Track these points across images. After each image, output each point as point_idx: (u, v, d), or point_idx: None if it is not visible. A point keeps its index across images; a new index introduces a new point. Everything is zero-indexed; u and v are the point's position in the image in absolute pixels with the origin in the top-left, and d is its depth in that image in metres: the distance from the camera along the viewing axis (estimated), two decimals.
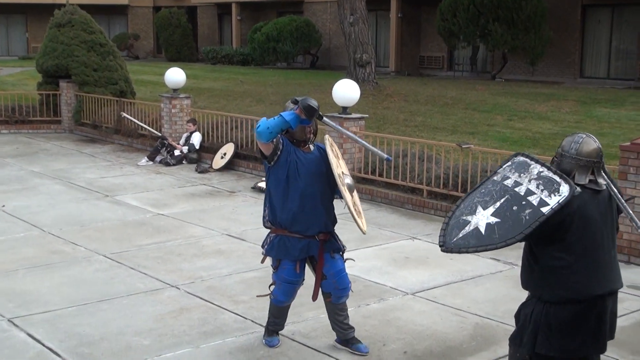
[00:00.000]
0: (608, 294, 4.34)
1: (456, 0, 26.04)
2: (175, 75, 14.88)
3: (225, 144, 13.85)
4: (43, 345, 6.00)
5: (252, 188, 11.88)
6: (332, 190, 5.61)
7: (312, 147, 5.62)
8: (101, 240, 8.97)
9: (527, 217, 4.17)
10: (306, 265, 5.76)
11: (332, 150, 5.58)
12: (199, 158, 14.08)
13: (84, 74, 17.87)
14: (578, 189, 4.18)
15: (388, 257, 8.21)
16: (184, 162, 14.03)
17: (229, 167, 13.50)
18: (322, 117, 5.43)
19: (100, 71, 17.95)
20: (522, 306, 4.56)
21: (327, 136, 5.68)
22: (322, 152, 5.57)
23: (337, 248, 5.72)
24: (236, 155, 13.59)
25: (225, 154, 13.60)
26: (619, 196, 4.41)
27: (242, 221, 9.90)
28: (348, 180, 5.63)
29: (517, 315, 4.59)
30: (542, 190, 4.21)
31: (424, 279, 7.63)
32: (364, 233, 5.66)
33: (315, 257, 5.65)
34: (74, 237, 9.09)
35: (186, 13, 40.06)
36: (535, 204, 4.18)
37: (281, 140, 5.46)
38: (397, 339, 6.08)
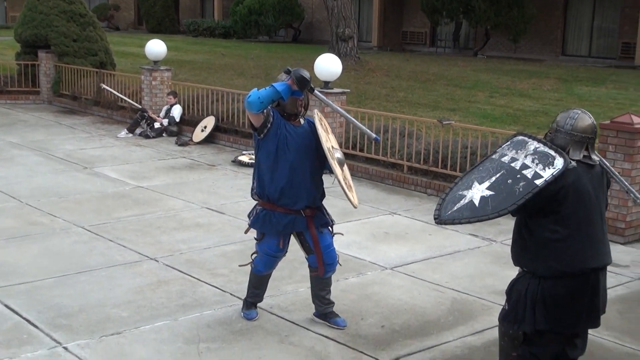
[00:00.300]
0: (601, 268, 4.38)
1: None
2: (156, 47, 14.80)
3: (206, 117, 13.79)
4: (20, 316, 5.99)
5: (232, 162, 11.85)
6: (321, 164, 5.59)
7: (302, 120, 5.60)
8: (80, 212, 8.93)
9: (521, 189, 4.22)
10: (293, 238, 5.76)
11: (322, 124, 5.56)
12: (179, 131, 14.01)
13: (64, 44, 17.68)
14: (573, 162, 4.23)
15: (367, 232, 8.24)
16: (164, 134, 13.96)
17: (209, 140, 13.45)
18: (314, 90, 5.43)
19: (80, 42, 17.77)
20: (515, 282, 4.56)
21: (316, 110, 5.67)
22: (312, 126, 5.54)
23: (325, 222, 5.72)
24: (217, 128, 13.54)
25: (205, 127, 13.54)
26: (613, 170, 4.46)
27: (221, 194, 9.90)
28: (338, 154, 5.62)
29: (509, 292, 4.58)
30: (537, 164, 4.25)
31: (403, 254, 7.67)
32: (354, 207, 5.67)
33: (303, 233, 5.65)
34: (52, 209, 9.04)
35: None
36: (530, 177, 4.22)
37: (271, 113, 5.43)
38: (375, 313, 6.12)
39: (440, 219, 4.42)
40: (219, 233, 8.24)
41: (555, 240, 4.27)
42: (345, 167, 5.80)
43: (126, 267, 7.14)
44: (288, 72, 5.35)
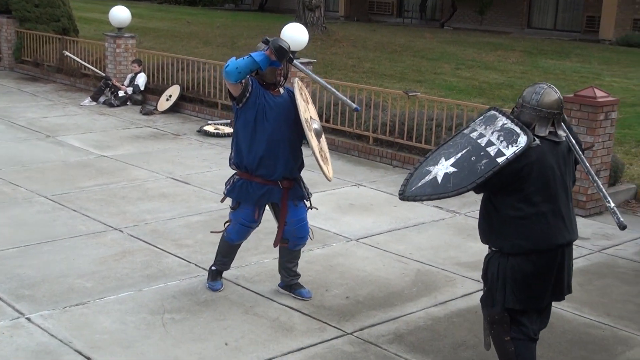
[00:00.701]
0: (567, 244, 4.38)
1: None
2: (120, 14, 14.59)
3: (171, 85, 13.68)
4: None
5: (198, 131, 11.78)
6: (300, 135, 5.53)
7: (282, 90, 5.54)
8: (43, 182, 8.84)
9: (482, 167, 4.19)
10: (269, 209, 5.75)
11: (302, 94, 5.49)
12: (144, 100, 13.88)
13: (25, 9, 17.39)
14: (537, 141, 4.19)
15: (333, 204, 8.26)
16: (128, 103, 13.82)
17: (174, 109, 13.36)
18: (293, 60, 5.38)
19: (42, 7, 17.48)
20: (487, 264, 4.52)
21: (296, 79, 5.60)
22: (292, 96, 5.48)
23: (301, 195, 5.70)
24: (182, 97, 13.44)
25: (170, 96, 13.44)
26: (578, 149, 4.40)
27: (186, 165, 9.85)
28: (316, 125, 5.58)
29: (484, 276, 4.56)
30: (501, 142, 4.22)
31: (368, 225, 7.71)
32: (329, 180, 5.63)
33: (277, 203, 5.64)
34: (15, 178, 8.94)
35: None
36: (493, 155, 4.20)
37: (250, 82, 5.38)
38: (340, 285, 6.15)
39: (404, 195, 4.42)
40: (184, 204, 8.21)
41: (520, 217, 4.26)
42: (323, 139, 5.78)
43: (90, 237, 7.09)
44: (266, 42, 5.27)
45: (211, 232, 6.42)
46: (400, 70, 16.62)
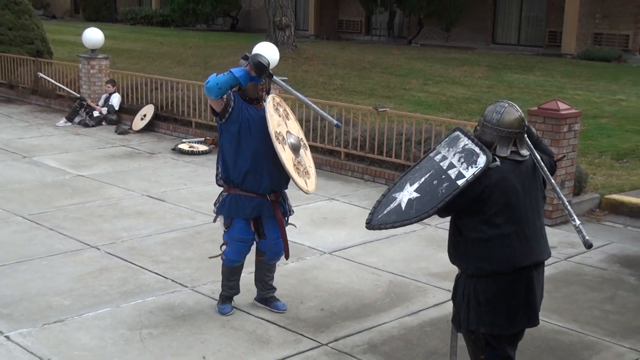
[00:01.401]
0: (534, 265, 4.21)
1: None
2: (94, 35, 14.55)
3: (145, 105, 13.65)
4: None
5: (172, 149, 11.76)
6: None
7: (264, 104, 5.45)
8: (19, 201, 8.77)
9: (443, 191, 4.08)
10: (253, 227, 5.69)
11: (278, 109, 5.47)
12: (119, 119, 13.84)
13: None
14: (497, 162, 4.08)
15: (306, 218, 8.27)
16: (103, 123, 13.77)
17: (149, 128, 13.33)
18: (273, 76, 5.34)
19: (16, 30, 17.40)
20: (456, 284, 4.43)
21: (272, 95, 5.54)
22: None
23: (284, 211, 5.70)
24: (156, 116, 13.42)
25: (145, 116, 13.41)
26: (543, 166, 4.22)
27: (162, 182, 9.82)
28: (292, 139, 5.52)
29: (454, 295, 4.46)
30: (462, 163, 4.10)
31: (341, 238, 7.73)
32: (306, 192, 5.60)
33: (260, 217, 5.58)
34: None
35: None
36: (453, 177, 4.08)
37: (232, 97, 5.35)
38: (315, 297, 6.16)
39: (371, 224, 4.32)
40: (160, 221, 8.19)
41: (483, 240, 4.13)
42: (308, 153, 5.75)
43: (67, 256, 7.05)
44: (246, 58, 5.26)
45: (209, 257, 6.29)
46: (370, 87, 16.70)
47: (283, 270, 6.60)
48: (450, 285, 6.46)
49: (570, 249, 7.51)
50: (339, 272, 6.80)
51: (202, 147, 11.71)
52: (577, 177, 8.63)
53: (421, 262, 7.08)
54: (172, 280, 6.49)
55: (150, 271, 6.70)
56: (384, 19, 29.76)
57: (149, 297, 6.14)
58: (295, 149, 5.53)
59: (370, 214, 4.39)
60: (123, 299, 6.09)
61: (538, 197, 4.29)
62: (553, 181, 4.27)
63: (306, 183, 5.52)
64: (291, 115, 5.79)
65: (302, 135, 5.80)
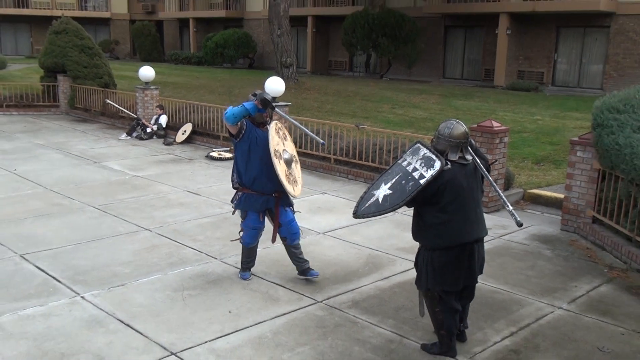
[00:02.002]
0: (475, 240, 4.32)
1: (355, 20, 26.05)
2: (147, 72, 14.52)
3: (185, 123, 13.60)
4: (47, 274, 5.83)
5: (206, 157, 11.71)
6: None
7: (268, 127, 5.49)
8: (91, 196, 8.71)
9: (409, 188, 4.15)
10: (266, 216, 5.67)
11: (278, 132, 5.49)
12: (166, 134, 13.78)
13: (77, 70, 17.23)
14: (449, 165, 4.16)
15: (306, 207, 8.24)
16: (154, 137, 13.71)
17: (188, 141, 13.27)
18: (274, 108, 5.42)
19: (89, 68, 17.32)
20: (417, 255, 4.50)
21: (274, 122, 5.54)
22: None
23: (289, 203, 5.65)
24: (193, 132, 13.37)
25: (185, 131, 13.36)
26: (482, 167, 4.34)
27: (198, 181, 9.77)
28: (286, 155, 5.52)
29: (415, 263, 4.53)
30: (422, 167, 4.18)
31: (332, 222, 7.69)
32: (293, 196, 5.54)
33: (272, 210, 5.58)
34: (70, 193, 8.80)
35: (155, 25, 38.84)
36: (417, 177, 4.16)
37: (245, 123, 5.40)
38: (313, 266, 6.09)
39: (357, 214, 4.40)
40: (196, 209, 8.14)
41: (439, 223, 4.22)
42: (296, 166, 5.70)
43: (127, 236, 7.00)
44: (255, 95, 5.35)
45: (230, 240, 6.33)
46: (352, 110, 16.66)
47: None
48: (413, 257, 6.45)
49: (501, 230, 7.49)
50: (330, 247, 6.77)
51: (228, 155, 11.66)
52: (506, 176, 8.62)
53: (391, 239, 7.06)
54: (206, 254, 6.45)
55: (189, 247, 6.66)
56: (363, 59, 29.73)
57: (188, 266, 6.10)
58: (288, 163, 5.54)
59: (355, 206, 4.45)
60: (169, 268, 6.05)
61: (477, 191, 4.38)
62: (490, 178, 4.36)
63: (293, 189, 5.49)
64: (288, 137, 5.79)
65: (295, 153, 5.79)
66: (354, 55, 28.96)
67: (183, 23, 38.71)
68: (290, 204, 5.69)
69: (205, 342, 4.62)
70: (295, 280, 5.78)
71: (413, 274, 6.00)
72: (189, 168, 10.81)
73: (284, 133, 5.66)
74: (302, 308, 5.23)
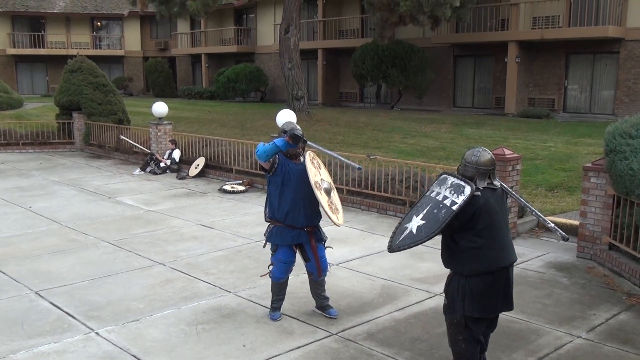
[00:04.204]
0: (509, 265, 4.25)
1: (364, 52, 26.29)
2: (160, 108, 14.68)
3: (198, 157, 13.69)
4: (62, 310, 5.83)
5: (219, 190, 11.75)
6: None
7: (302, 159, 5.43)
8: (106, 231, 8.75)
9: (443, 215, 4.11)
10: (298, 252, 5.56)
11: (313, 162, 5.40)
12: (179, 168, 13.87)
13: (91, 107, 17.46)
14: (478, 192, 4.13)
15: None
16: (167, 171, 13.81)
17: (201, 174, 13.34)
18: (307, 142, 5.31)
19: (103, 105, 17.56)
20: (448, 282, 4.40)
21: (308, 152, 5.44)
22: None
23: (320, 238, 5.55)
24: (206, 166, 13.44)
25: (198, 165, 13.44)
26: (512, 192, 4.34)
27: (211, 214, 9.79)
28: (325, 185, 5.42)
29: (446, 290, 4.42)
30: (452, 194, 4.14)
31: (345, 253, 7.65)
32: (337, 225, 5.42)
33: (303, 245, 5.47)
34: (85, 229, 8.85)
35: (168, 61, 39.43)
36: (448, 205, 4.12)
37: (277, 157, 5.32)
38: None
39: (392, 248, 4.34)
40: (210, 243, 8.14)
41: (475, 248, 4.14)
42: (335, 194, 5.61)
43: (141, 271, 7.01)
44: (285, 132, 5.26)
45: (260, 276, 6.21)
46: (364, 140, 16.71)
47: (303, 278, 6.51)
48: (427, 287, 6.40)
49: (518, 257, 7.39)
50: (344, 278, 6.72)
51: (241, 188, 11.70)
52: (519, 204, 8.53)
53: (406, 270, 7.00)
54: (219, 288, 6.42)
55: (203, 281, 6.64)
56: (373, 90, 29.94)
57: (202, 300, 6.07)
58: (328, 192, 5.43)
59: (389, 241, 4.40)
60: (183, 302, 6.03)
61: (507, 216, 4.37)
62: (523, 200, 4.41)
63: (337, 217, 5.40)
64: (322, 166, 5.69)
65: (331, 180, 5.68)
66: (365, 87, 29.16)
67: (195, 59, 39.27)
68: (322, 240, 5.56)
69: None
70: (309, 313, 5.74)
71: (428, 304, 5.95)
72: (202, 202, 10.84)
73: (317, 162, 5.56)
74: (317, 341, 5.17)
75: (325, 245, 5.66)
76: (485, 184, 4.24)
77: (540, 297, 6.16)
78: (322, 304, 5.70)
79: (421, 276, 6.68)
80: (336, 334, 5.30)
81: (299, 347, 5.05)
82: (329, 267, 5.64)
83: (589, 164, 7.47)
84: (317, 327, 5.44)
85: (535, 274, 6.89)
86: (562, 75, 23.64)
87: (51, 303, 6.00)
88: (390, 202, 9.87)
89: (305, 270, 5.72)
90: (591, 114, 22.95)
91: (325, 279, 5.73)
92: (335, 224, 5.34)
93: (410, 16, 21.55)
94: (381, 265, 7.16)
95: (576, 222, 7.76)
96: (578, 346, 5.08)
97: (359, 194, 10.33)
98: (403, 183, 9.70)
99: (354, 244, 8.02)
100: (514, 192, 4.36)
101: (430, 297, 6.14)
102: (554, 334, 5.31)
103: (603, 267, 7.08)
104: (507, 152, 8.16)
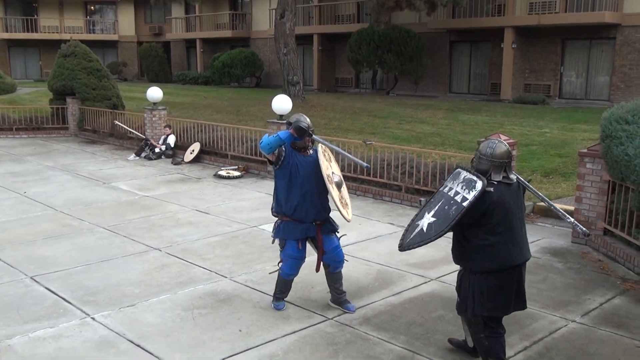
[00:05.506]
0: (522, 263, 4.17)
1: (360, 37, 26.18)
2: (155, 93, 14.62)
3: (193, 143, 13.65)
4: (58, 295, 5.83)
5: (214, 175, 11.74)
6: (325, 187, 5.20)
7: (311, 151, 5.29)
8: (101, 216, 8.74)
9: (453, 212, 4.01)
10: (308, 244, 5.43)
11: (325, 155, 5.27)
12: (174, 154, 13.84)
13: (85, 92, 17.37)
14: (491, 188, 4.01)
15: None
16: (162, 157, 13.78)
17: (196, 160, 13.31)
18: (312, 135, 5.19)
19: (98, 90, 17.46)
20: (460, 279, 4.33)
21: (320, 145, 5.31)
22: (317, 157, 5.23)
23: (333, 229, 5.41)
24: (201, 151, 13.42)
25: (193, 150, 13.41)
26: (530, 186, 4.23)
27: (207, 200, 9.78)
28: (336, 178, 5.31)
29: (458, 288, 4.36)
30: (464, 190, 4.03)
31: (342, 239, 7.62)
32: (347, 221, 5.32)
33: (314, 237, 5.34)
34: (80, 214, 8.84)
35: (162, 46, 39.17)
36: (459, 201, 4.02)
37: (284, 149, 5.18)
38: (322, 283, 6.05)
39: (403, 247, 4.28)
40: (206, 228, 8.14)
41: (487, 245, 4.05)
42: (344, 188, 5.49)
43: (137, 256, 7.01)
44: (289, 124, 5.15)
45: (269, 273, 6.08)
46: (359, 126, 16.69)
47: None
48: (423, 272, 6.42)
49: None
50: None
51: (236, 173, 11.69)
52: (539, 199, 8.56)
53: (401, 255, 7.00)
54: (215, 273, 6.44)
55: (199, 266, 6.65)
56: (369, 76, 29.85)
57: (198, 285, 6.09)
58: (339, 186, 5.32)
59: (400, 239, 4.35)
60: (179, 287, 6.04)
61: (522, 211, 4.23)
62: (541, 194, 4.29)
63: (347, 213, 5.29)
64: (332, 158, 5.55)
65: (340, 174, 5.56)
66: (360, 72, 29.05)
67: (190, 44, 39.05)
68: (335, 230, 5.41)
69: None
70: (305, 298, 5.75)
71: (424, 289, 5.98)
72: (197, 187, 10.83)
73: (328, 155, 5.42)
74: (312, 325, 5.20)
75: (339, 235, 5.49)
76: (501, 177, 4.11)
77: (535, 282, 6.19)
78: (340, 299, 5.52)
79: (416, 261, 6.70)
80: (332, 319, 5.32)
81: (295, 331, 5.07)
82: (344, 258, 5.47)
83: (585, 150, 7.49)
84: (313, 312, 5.46)
85: (530, 259, 6.91)
86: (558, 61, 23.62)
87: (46, 288, 6.00)
88: (386, 188, 9.88)
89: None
90: (587, 99, 22.96)
91: (313, 261, 5.60)
92: (345, 219, 5.24)
93: (406, 1, 21.46)
94: (377, 251, 7.18)
95: (571, 208, 7.78)
96: (572, 330, 5.12)
97: (355, 179, 10.33)
98: (399, 169, 9.70)
99: (350, 230, 8.00)
100: (532, 187, 4.25)
101: (426, 282, 6.16)
102: (548, 318, 5.35)
103: (598, 252, 7.12)
104: (503, 137, 8.11)
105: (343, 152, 5.47)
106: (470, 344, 4.54)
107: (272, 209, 5.44)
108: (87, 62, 17.67)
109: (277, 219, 5.41)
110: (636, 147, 6.52)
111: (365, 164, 5.37)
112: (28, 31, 39.43)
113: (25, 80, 38.04)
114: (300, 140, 5.16)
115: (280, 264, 5.45)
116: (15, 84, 29.44)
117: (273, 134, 5.12)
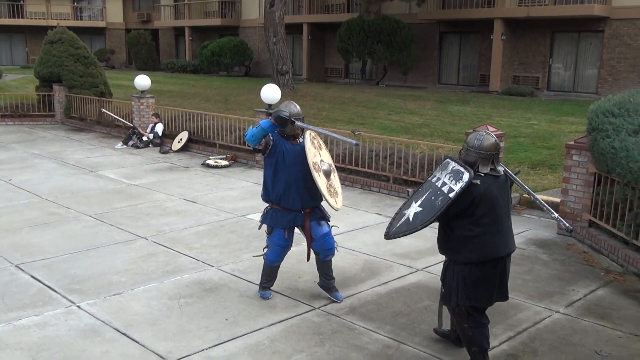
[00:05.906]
0: (507, 255, 4.19)
1: (350, 27, 26.13)
2: (143, 81, 14.51)
3: (181, 131, 13.59)
4: (43, 283, 5.80)
5: (202, 164, 11.70)
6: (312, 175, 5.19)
7: (300, 139, 5.26)
8: (87, 204, 8.70)
9: (439, 203, 4.02)
10: (299, 231, 5.44)
11: (313, 143, 5.24)
12: (162, 142, 13.76)
13: (72, 79, 17.22)
14: (477, 181, 4.02)
15: None
16: (150, 145, 13.70)
17: (184, 149, 13.26)
18: (295, 122, 5.14)
19: (85, 77, 17.32)
20: (445, 270, 4.34)
21: (308, 132, 5.29)
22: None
23: (323, 216, 5.38)
24: (189, 140, 13.36)
25: (181, 139, 13.35)
26: (517, 178, 4.25)
27: (194, 189, 9.76)
28: (325, 166, 5.28)
29: (443, 278, 4.37)
30: (451, 180, 4.04)
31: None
32: (335, 210, 5.30)
33: (303, 225, 5.34)
34: (66, 202, 8.78)
35: (150, 34, 38.89)
36: (446, 192, 4.03)
37: (271, 137, 5.15)
38: (309, 273, 6.10)
39: (389, 235, 4.29)
40: (193, 217, 8.12)
41: (472, 236, 4.06)
42: (335, 176, 5.46)
43: (123, 245, 6.98)
44: (269, 114, 5.17)
45: (253, 256, 6.10)
46: (348, 116, 16.68)
47: (287, 253, 6.53)
48: (409, 262, 6.46)
49: None
50: None
51: (224, 162, 11.66)
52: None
53: (388, 245, 7.04)
54: (202, 262, 6.43)
55: (186, 255, 6.64)
56: (359, 66, 29.81)
57: (185, 274, 6.08)
58: (327, 174, 5.29)
59: (387, 228, 4.36)
60: (165, 276, 6.03)
61: (508, 203, 4.25)
62: (527, 188, 4.31)
63: (336, 201, 5.27)
64: (323, 146, 5.52)
65: (331, 162, 5.53)
66: (350, 62, 29.01)
67: (179, 32, 38.79)
68: (326, 218, 5.40)
69: (202, 350, 4.60)
70: (292, 287, 5.76)
71: (410, 279, 6.01)
72: (185, 176, 10.79)
73: (318, 142, 5.40)
74: (299, 315, 5.21)
75: (330, 224, 5.48)
76: (488, 169, 4.12)
77: (520, 272, 6.24)
78: (328, 285, 5.53)
79: (403, 251, 6.73)
80: (318, 308, 5.34)
81: (282, 320, 5.09)
82: (335, 246, 5.45)
83: (572, 142, 7.53)
84: (300, 301, 5.47)
85: (516, 251, 6.96)
86: (547, 53, 23.70)
87: (32, 276, 5.97)
88: (374, 178, 9.90)
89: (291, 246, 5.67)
90: (575, 92, 23.09)
91: (300, 251, 5.64)
92: (333, 208, 5.22)
93: None
94: (364, 241, 7.20)
95: (557, 200, 7.84)
96: (556, 321, 5.17)
97: (343, 169, 10.33)
98: (387, 159, 9.72)
99: (337, 219, 7.98)
100: (518, 179, 4.27)
101: (412, 272, 6.19)
102: (533, 309, 5.40)
103: (583, 244, 7.18)
104: (491, 129, 8.14)
105: (331, 133, 5.46)
106: (440, 325, 4.58)
107: (262, 195, 5.45)
108: (74, 49, 17.52)
109: (267, 205, 5.42)
110: (622, 140, 6.57)
111: (354, 142, 5.27)
112: (14, 17, 38.99)
113: (11, 66, 37.65)
114: (283, 128, 5.15)
115: (266, 250, 5.47)
116: (1, 70, 29.14)
117: (256, 126, 5.12)
